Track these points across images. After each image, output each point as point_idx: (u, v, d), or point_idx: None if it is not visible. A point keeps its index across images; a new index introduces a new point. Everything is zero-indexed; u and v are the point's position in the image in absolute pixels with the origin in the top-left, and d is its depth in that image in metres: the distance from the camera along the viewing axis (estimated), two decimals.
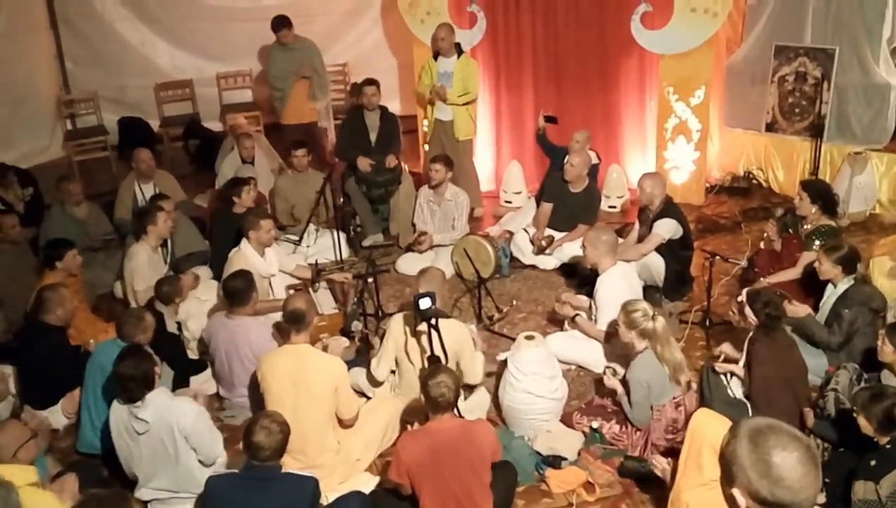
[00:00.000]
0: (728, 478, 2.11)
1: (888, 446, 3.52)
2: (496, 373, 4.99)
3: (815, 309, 4.94)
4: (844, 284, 4.78)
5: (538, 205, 6.87)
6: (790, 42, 7.41)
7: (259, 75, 9.70)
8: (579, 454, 4.39)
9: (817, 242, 5.35)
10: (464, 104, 7.23)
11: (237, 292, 4.86)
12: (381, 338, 4.87)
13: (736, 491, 2.08)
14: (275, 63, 8.19)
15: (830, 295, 4.84)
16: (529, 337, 4.71)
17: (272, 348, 4.58)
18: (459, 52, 7.20)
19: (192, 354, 5.38)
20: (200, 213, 7.28)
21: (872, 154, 7.10)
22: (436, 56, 7.27)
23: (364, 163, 7.06)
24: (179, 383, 4.98)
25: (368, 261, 5.98)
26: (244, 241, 5.59)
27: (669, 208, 5.82)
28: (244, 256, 5.53)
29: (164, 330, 5.04)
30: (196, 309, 5.57)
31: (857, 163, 6.99)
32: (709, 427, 3.58)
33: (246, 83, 9.95)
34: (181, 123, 9.70)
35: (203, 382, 5.11)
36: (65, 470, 4.15)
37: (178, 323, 5.35)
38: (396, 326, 4.64)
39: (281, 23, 7.99)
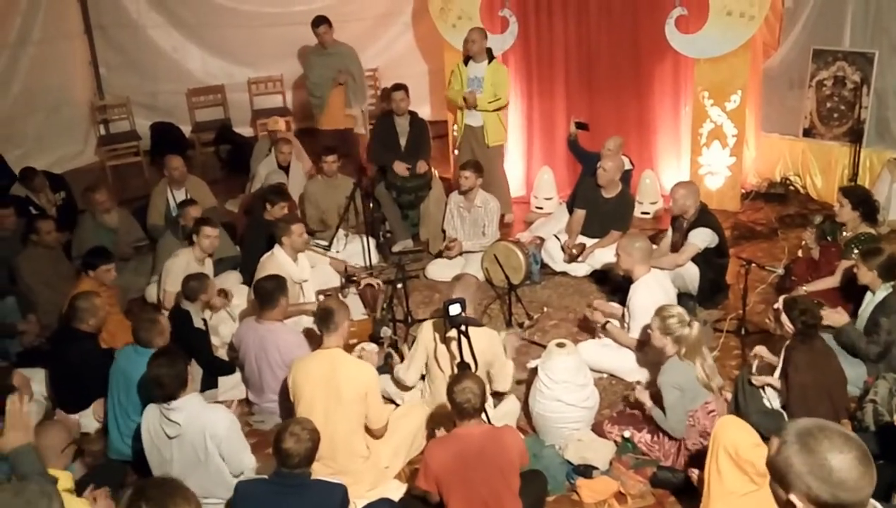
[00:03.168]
0: (783, 486, 2.06)
1: None
2: (526, 381, 4.98)
3: (854, 317, 4.87)
4: (883, 292, 4.71)
5: (570, 211, 6.86)
6: (828, 46, 7.33)
7: (297, 79, 9.79)
8: (611, 463, 4.36)
9: (856, 250, 5.27)
10: (494, 110, 7.24)
11: (267, 294, 4.90)
12: (411, 345, 4.89)
13: (794, 497, 2.04)
14: (313, 68, 8.28)
15: (869, 303, 4.78)
16: (560, 345, 4.69)
17: (302, 353, 4.61)
18: (490, 57, 7.22)
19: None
20: (231, 219, 7.36)
21: None
22: (466, 60, 7.29)
23: (401, 168, 7.11)
24: (208, 384, 5.04)
25: (398, 267, 6.00)
26: (277, 246, 5.65)
27: (704, 216, 5.78)
28: (277, 261, 5.58)
29: (191, 327, 5.10)
30: (227, 316, 5.63)
31: None
32: (727, 434, 3.57)
33: (277, 88, 10.05)
34: (213, 129, 9.83)
35: (233, 386, 5.16)
36: (89, 474, 4.20)
37: (205, 321, 5.38)
38: (427, 332, 4.65)
39: (320, 20, 8.09)
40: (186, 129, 9.93)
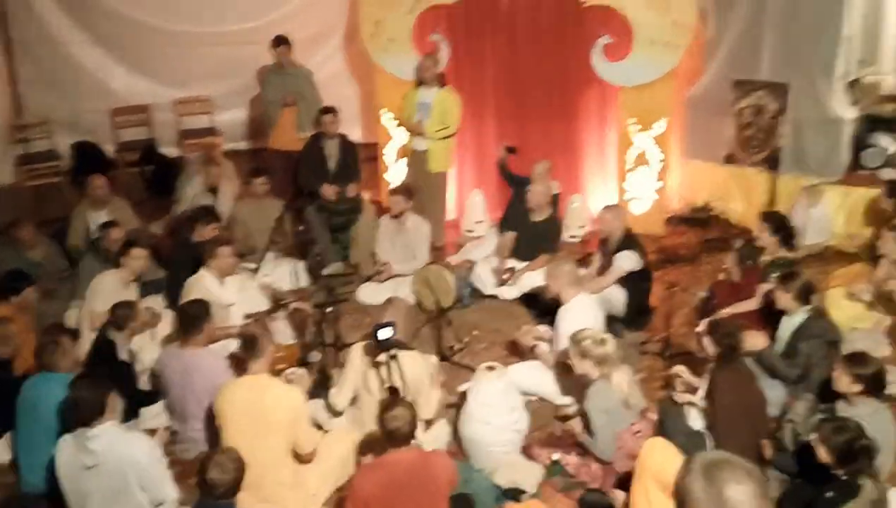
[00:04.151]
0: None
1: (845, 477, 3.57)
2: (456, 405, 4.97)
3: (774, 339, 5.01)
4: (801, 315, 4.86)
5: (500, 234, 6.91)
6: (748, 76, 7.59)
7: (255, 98, 9.69)
8: (540, 486, 4.38)
9: (775, 274, 5.44)
10: (441, 138, 7.25)
11: (191, 319, 4.79)
12: (340, 369, 4.84)
13: None
14: (269, 87, 8.23)
15: (787, 327, 4.92)
16: (490, 368, 4.71)
17: (227, 379, 4.51)
18: (442, 83, 7.25)
19: (144, 387, 5.27)
20: (156, 241, 7.19)
21: (828, 186, 7.26)
22: (419, 84, 7.30)
23: (329, 191, 7.06)
24: (129, 415, 4.88)
25: (328, 290, 5.95)
26: (203, 269, 5.54)
27: (630, 240, 5.91)
28: (203, 284, 5.47)
29: (115, 358, 4.94)
30: (149, 340, 5.48)
31: (813, 195, 7.15)
32: (653, 458, 3.64)
33: (205, 108, 9.89)
34: (137, 149, 9.60)
35: (155, 415, 5.01)
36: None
37: (131, 351, 5.24)
38: (357, 356, 4.61)
39: (280, 40, 8.08)
40: (110, 149, 9.67)
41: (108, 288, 5.55)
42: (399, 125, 7.66)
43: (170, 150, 9.73)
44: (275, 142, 8.29)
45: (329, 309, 5.76)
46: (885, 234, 5.64)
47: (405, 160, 7.67)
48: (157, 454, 4.00)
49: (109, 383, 4.01)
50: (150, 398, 5.10)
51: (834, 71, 7.24)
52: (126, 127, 9.71)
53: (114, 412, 3.98)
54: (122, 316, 5.06)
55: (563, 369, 5.04)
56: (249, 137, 9.75)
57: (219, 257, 5.53)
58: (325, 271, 7.00)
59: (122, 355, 5.09)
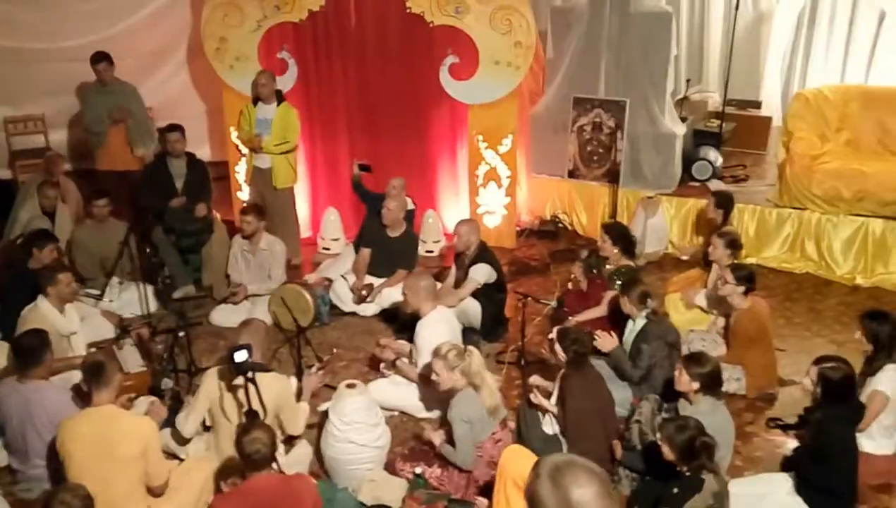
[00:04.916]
0: None
1: (689, 474, 3.78)
2: (318, 424, 4.90)
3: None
4: (642, 320, 5.12)
5: (357, 251, 6.89)
6: (586, 94, 7.95)
7: (72, 118, 9.14)
8: (403, 501, 4.38)
9: (618, 281, 5.71)
10: (281, 153, 7.16)
11: (29, 350, 4.50)
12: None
13: None
14: (90, 105, 7.85)
15: (631, 331, 5.18)
16: (351, 386, 4.68)
17: (71, 413, 4.24)
18: (280, 99, 7.15)
19: None
20: None
21: (663, 198, 7.72)
22: (255, 101, 7.16)
23: (177, 201, 6.86)
24: None
25: (179, 315, 5.74)
26: (41, 297, 5.21)
27: (483, 253, 6.04)
28: (41, 313, 5.14)
29: None
30: None
31: (650, 206, 7.57)
32: (513, 465, 3.73)
33: (38, 128, 9.30)
34: None
35: None
36: None
37: None
38: (211, 381, 4.45)
39: (100, 56, 7.73)
40: None
41: None
42: (243, 143, 7.48)
43: (1, 172, 9.10)
44: (103, 163, 7.94)
45: (181, 334, 5.54)
46: (714, 241, 6.00)
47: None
48: None
49: None
50: None
51: (665, 89, 7.70)
52: None
53: None
54: None
55: (425, 382, 5.07)
56: (79, 158, 9.25)
57: (58, 284, 5.23)
58: (176, 294, 6.75)
59: None
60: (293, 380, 4.74)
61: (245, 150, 7.50)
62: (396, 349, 5.47)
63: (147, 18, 9.31)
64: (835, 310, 6.67)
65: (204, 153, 8.62)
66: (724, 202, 6.50)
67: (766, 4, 9.72)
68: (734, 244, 5.94)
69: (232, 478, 4.01)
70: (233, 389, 4.33)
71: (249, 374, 4.05)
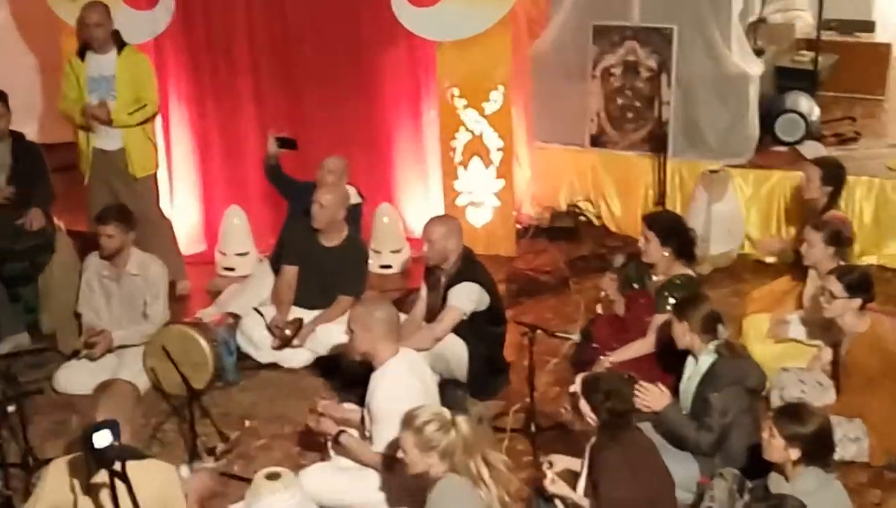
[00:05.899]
0: None
1: None
2: None
3: (676, 395, 5.24)
4: (709, 357, 5.11)
5: (276, 270, 6.88)
6: (613, 21, 7.96)
7: None
8: None
9: (671, 299, 5.70)
10: (139, 123, 7.15)
11: None
12: None
13: None
14: None
15: (692, 374, 5.16)
16: (273, 477, 4.66)
17: None
18: (121, 45, 7.12)
19: None
20: None
21: (734, 172, 7.74)
22: (82, 53, 7.13)
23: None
24: None
25: (7, 380, 5.72)
26: None
27: (468, 268, 6.02)
28: None
29: None
30: None
31: (715, 184, 7.58)
32: None
33: None
34: None
35: None
36: None
37: None
38: (57, 478, 4.40)
39: None
40: None
41: None
42: (68, 117, 7.35)
43: None
44: None
45: (10, 409, 5.49)
46: (809, 236, 5.97)
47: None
48: None
49: None
50: None
51: (729, 9, 7.72)
52: None
53: None
54: None
55: (387, 466, 5.04)
56: None
57: None
58: (1, 349, 6.73)
59: None
60: (184, 470, 4.70)
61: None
62: (340, 417, 5.44)
63: None
64: None
65: (32, 131, 8.57)
66: (832, 175, 6.51)
67: None
68: (838, 238, 5.95)
69: None
70: (92, 490, 4.29)
71: (116, 466, 4.02)
